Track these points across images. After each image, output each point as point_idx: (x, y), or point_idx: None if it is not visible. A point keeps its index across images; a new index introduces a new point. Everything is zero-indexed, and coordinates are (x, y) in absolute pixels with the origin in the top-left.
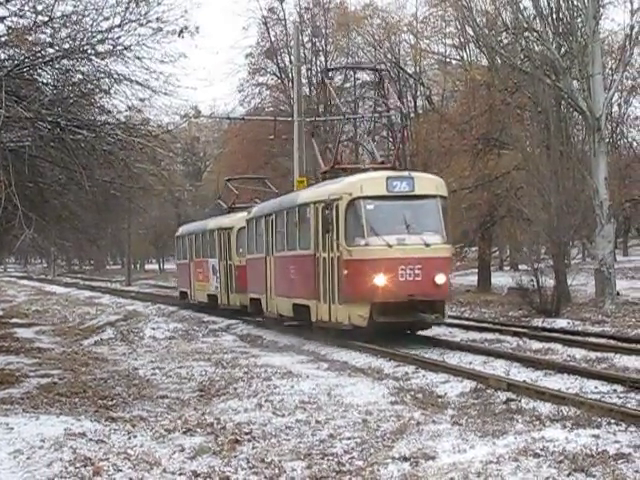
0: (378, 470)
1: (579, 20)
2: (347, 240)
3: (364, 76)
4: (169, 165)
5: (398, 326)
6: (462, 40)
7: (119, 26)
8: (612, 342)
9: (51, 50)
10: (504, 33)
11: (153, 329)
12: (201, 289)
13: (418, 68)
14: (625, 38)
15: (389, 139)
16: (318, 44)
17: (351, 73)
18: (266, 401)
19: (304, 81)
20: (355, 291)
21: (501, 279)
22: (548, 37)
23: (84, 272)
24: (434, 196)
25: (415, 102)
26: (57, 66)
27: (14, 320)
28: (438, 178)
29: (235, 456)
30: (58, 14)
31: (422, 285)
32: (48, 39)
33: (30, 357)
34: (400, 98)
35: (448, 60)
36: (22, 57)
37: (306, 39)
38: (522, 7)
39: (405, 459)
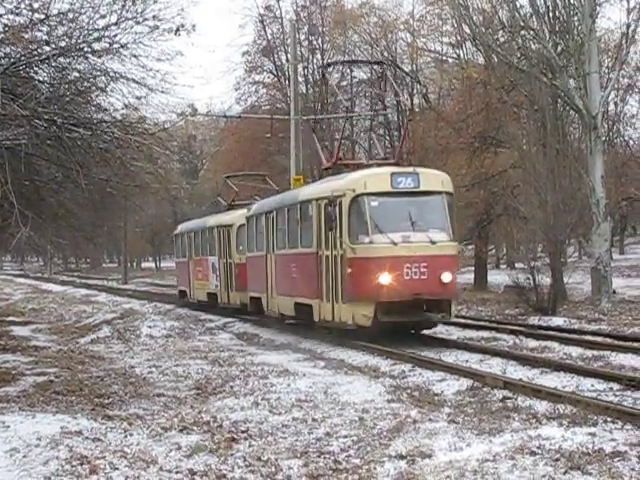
0: (375, 468)
1: (575, 18)
2: (351, 238)
3: (360, 74)
4: (165, 163)
5: (403, 326)
6: (459, 38)
7: (115, 24)
8: (608, 340)
9: (47, 48)
10: (501, 31)
11: (150, 327)
12: (201, 287)
13: (415, 66)
14: (621, 36)
15: (386, 137)
16: (315, 42)
17: (348, 71)
18: (263, 399)
19: (301, 79)
20: (359, 290)
21: (497, 277)
22: (544, 35)
23: (80, 270)
24: (440, 192)
25: (412, 100)
26: (53, 64)
27: (10, 318)
28: (443, 174)
29: (232, 454)
30: (54, 12)
31: (428, 284)
32: (44, 37)
33: (26, 355)
34: (397, 95)
35: (445, 58)
36: (18, 55)
37: (303, 37)
38: (519, 5)
39: (402, 457)
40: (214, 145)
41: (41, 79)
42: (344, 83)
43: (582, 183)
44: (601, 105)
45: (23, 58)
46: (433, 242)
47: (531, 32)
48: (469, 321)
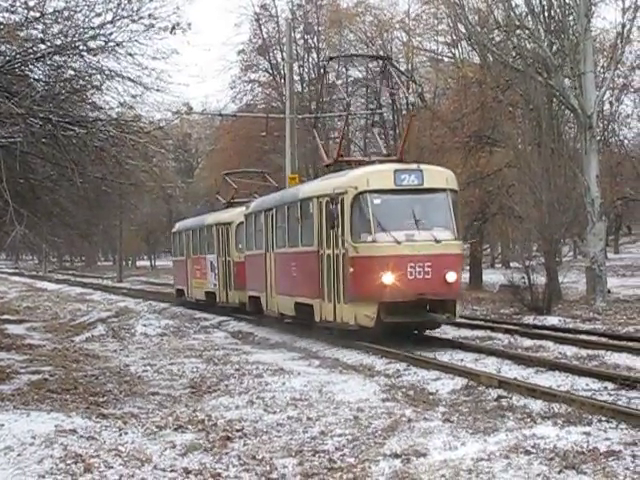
0: (369, 467)
1: (571, 18)
2: (353, 236)
3: (356, 73)
4: (161, 162)
5: (406, 326)
6: (454, 38)
7: (111, 22)
8: (603, 339)
9: (43, 46)
10: (496, 31)
11: (144, 326)
12: (198, 286)
13: (410, 65)
14: (616, 36)
15: (381, 136)
16: (310, 41)
17: (344, 70)
18: (257, 398)
19: (296, 78)
20: (362, 290)
21: (492, 276)
22: (540, 35)
23: (75, 269)
24: (444, 190)
25: (407, 99)
26: (49, 62)
27: (5, 316)
28: (448, 171)
29: (226, 453)
30: (50, 10)
31: (432, 283)
32: (40, 35)
33: (21, 354)
34: (392, 95)
35: (440, 57)
36: (14, 53)
37: (298, 36)
38: (514, 5)
39: (396, 456)
40: (209, 144)
41: (36, 77)
42: (340, 82)
43: (577, 182)
44: (596, 105)
45: (18, 56)
46: (437, 241)
47: (526, 31)
48: (464, 320)
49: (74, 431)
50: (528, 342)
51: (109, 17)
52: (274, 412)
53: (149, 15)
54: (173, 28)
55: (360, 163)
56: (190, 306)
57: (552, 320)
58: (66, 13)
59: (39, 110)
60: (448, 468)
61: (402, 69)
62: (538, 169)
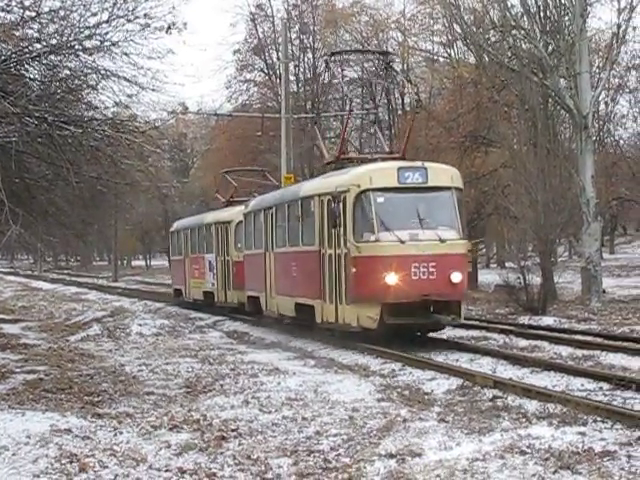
0: (364, 467)
1: (566, 18)
2: (355, 235)
3: (352, 73)
4: (156, 161)
5: (409, 328)
6: (450, 38)
7: (107, 22)
8: (598, 340)
9: (38, 45)
10: (492, 31)
11: (140, 325)
12: (197, 286)
13: (406, 65)
14: (612, 36)
15: (377, 135)
16: (306, 41)
17: (339, 70)
18: (253, 398)
19: (292, 78)
20: (364, 291)
21: (488, 276)
22: (535, 35)
23: (71, 268)
24: (449, 188)
25: (402, 99)
26: (44, 62)
27: (0, 316)
28: (453, 168)
29: (221, 453)
30: (46, 9)
31: (437, 284)
32: (35, 34)
33: (16, 353)
34: (387, 95)
35: (436, 57)
36: (9, 52)
37: (294, 36)
38: (510, 5)
39: (391, 456)
40: (205, 143)
41: (32, 77)
42: (336, 81)
43: (572, 183)
44: (592, 105)
45: (14, 55)
46: (442, 240)
47: (522, 32)
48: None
49: (69, 431)
50: (523, 342)
51: (105, 17)
52: (269, 412)
53: (145, 15)
54: (169, 28)
55: (362, 161)
56: (185, 306)
57: (547, 320)
58: (62, 12)
59: (34, 109)
60: (443, 468)
61: (397, 69)
62: (533, 169)
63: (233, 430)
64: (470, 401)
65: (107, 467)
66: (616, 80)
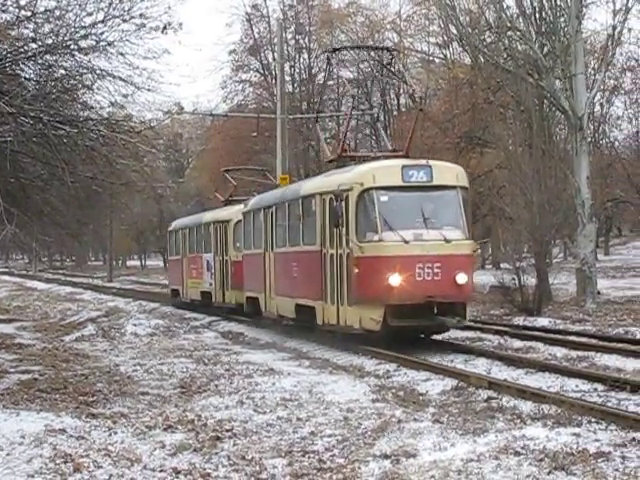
0: (359, 468)
1: (562, 20)
2: (358, 235)
3: (347, 74)
4: (151, 161)
5: (413, 330)
6: (445, 39)
7: (102, 22)
8: (593, 341)
9: (34, 45)
10: (487, 32)
11: (134, 325)
12: (194, 286)
13: (401, 66)
14: (607, 38)
15: (372, 137)
16: (302, 41)
17: (335, 71)
18: (247, 398)
19: (287, 78)
20: (367, 292)
21: (483, 277)
22: (531, 36)
23: (66, 268)
24: (454, 187)
25: (398, 100)
26: (40, 61)
27: None
28: (458, 167)
29: (216, 453)
30: (41, 9)
31: (442, 285)
32: (31, 34)
33: (11, 353)
34: (383, 95)
35: (431, 58)
36: (5, 52)
37: (289, 36)
38: (505, 6)
39: (386, 457)
40: (200, 143)
41: (27, 76)
42: (331, 82)
43: (568, 184)
44: (587, 106)
45: (9, 55)
46: (447, 240)
47: (517, 33)
48: None
49: (63, 431)
50: (518, 343)
51: (100, 16)
52: (264, 412)
53: (140, 15)
54: (164, 28)
55: (365, 159)
56: (180, 306)
57: (542, 321)
58: (57, 12)
59: (30, 109)
60: (438, 469)
61: (394, 69)
62: (529, 170)
63: (228, 430)
64: (465, 402)
65: (101, 467)
66: (611, 82)
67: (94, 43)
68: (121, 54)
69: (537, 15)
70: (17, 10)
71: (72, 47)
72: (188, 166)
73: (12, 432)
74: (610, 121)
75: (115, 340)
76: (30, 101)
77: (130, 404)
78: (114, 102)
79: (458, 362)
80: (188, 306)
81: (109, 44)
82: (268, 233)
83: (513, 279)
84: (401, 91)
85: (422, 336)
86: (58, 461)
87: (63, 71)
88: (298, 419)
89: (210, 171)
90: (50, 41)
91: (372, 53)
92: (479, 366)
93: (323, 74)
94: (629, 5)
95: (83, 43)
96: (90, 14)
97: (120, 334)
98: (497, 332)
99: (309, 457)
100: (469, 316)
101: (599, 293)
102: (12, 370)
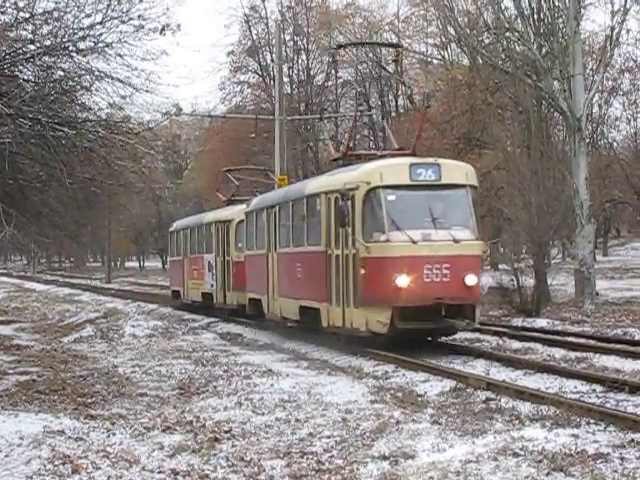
0: (357, 469)
1: (560, 21)
2: (365, 235)
3: (345, 75)
4: (150, 163)
5: (421, 333)
6: (444, 40)
7: (101, 23)
8: (591, 342)
9: (32, 47)
10: (485, 33)
11: (133, 327)
12: (195, 287)
13: (400, 67)
14: (605, 39)
15: (370, 138)
16: (300, 43)
17: (333, 72)
18: (246, 399)
19: (286, 79)
20: (374, 293)
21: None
22: (529, 37)
23: (64, 269)
24: (463, 186)
25: (396, 101)
26: (38, 63)
27: None
28: (468, 165)
29: (214, 454)
30: (39, 11)
31: (450, 287)
32: (29, 36)
33: (9, 354)
34: (381, 97)
35: (430, 59)
36: (3, 53)
37: (288, 37)
38: (503, 7)
39: (384, 458)
40: (198, 145)
41: (26, 78)
42: (329, 84)
43: (566, 185)
44: (585, 107)
45: (8, 57)
46: (456, 241)
47: (516, 34)
48: None
49: (62, 432)
50: (517, 344)
51: (99, 18)
52: (262, 413)
53: (139, 16)
54: (163, 29)
55: (371, 157)
56: (179, 307)
57: (541, 322)
58: (56, 14)
59: (28, 110)
60: (436, 470)
61: (391, 71)
62: (527, 171)
63: (226, 432)
64: (463, 403)
65: (100, 468)
66: (610, 82)
67: (92, 45)
68: (119, 55)
69: (535, 16)
70: (15, 12)
71: (70, 49)
72: (186, 167)
73: (10, 433)
74: (608, 122)
75: (113, 341)
76: (28, 102)
77: (128, 405)
78: (112, 103)
79: (457, 363)
80: (187, 307)
81: (107, 45)
82: (271, 233)
83: (511, 280)
84: (399, 92)
85: (429, 339)
86: (57, 462)
87: (61, 72)
88: (297, 420)
89: (208, 172)
90: (48, 43)
91: (371, 54)
92: (478, 367)
93: (322, 75)
94: (627, 6)
95: (81, 45)
96: (88, 16)
97: (119, 335)
98: (495, 333)
99: (308, 458)
100: (479, 318)
101: (597, 294)
102: (11, 371)
